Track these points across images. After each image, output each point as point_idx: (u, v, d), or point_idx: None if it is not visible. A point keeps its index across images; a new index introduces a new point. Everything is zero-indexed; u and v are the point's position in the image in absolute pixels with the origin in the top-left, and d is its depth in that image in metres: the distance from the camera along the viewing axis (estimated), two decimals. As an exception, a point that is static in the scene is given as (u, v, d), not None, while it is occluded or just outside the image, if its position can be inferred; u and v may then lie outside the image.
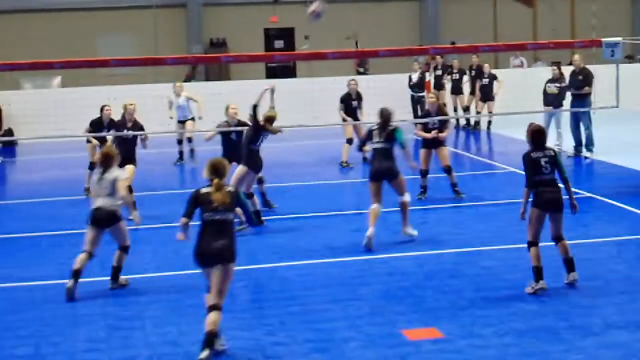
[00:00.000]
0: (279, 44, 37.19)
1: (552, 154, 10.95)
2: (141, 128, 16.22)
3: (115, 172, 11.44)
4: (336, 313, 10.12)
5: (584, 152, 20.84)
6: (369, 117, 18.66)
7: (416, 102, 26.43)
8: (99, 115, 17.82)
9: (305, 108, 26.20)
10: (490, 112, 26.44)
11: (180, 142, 22.51)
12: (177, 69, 32.65)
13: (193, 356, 8.93)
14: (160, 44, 34.56)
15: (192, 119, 22.31)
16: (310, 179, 18.83)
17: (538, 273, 10.72)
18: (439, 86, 28.02)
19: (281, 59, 29.35)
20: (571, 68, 22.01)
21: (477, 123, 27.69)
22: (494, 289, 10.86)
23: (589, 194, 16.16)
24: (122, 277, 11.49)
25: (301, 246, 13.28)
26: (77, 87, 28.21)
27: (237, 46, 35.10)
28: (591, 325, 9.48)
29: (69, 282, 11.00)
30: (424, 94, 26.77)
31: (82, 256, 11.22)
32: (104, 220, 11.31)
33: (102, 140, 18.17)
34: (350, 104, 20.66)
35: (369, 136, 13.59)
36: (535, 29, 35.88)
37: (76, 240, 14.12)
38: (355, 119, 20.41)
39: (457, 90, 27.94)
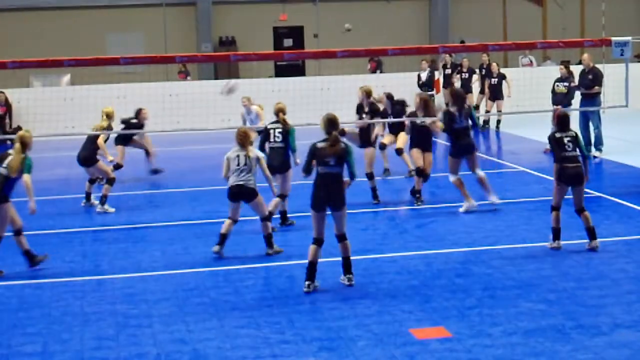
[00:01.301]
0: (288, 42, 37.20)
1: (574, 135, 12.49)
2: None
3: (255, 152, 12.88)
4: (344, 312, 10.12)
5: (593, 152, 20.80)
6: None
7: (425, 100, 26.35)
8: (133, 116, 18.78)
9: (315, 107, 26.16)
10: (499, 111, 26.40)
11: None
12: (187, 67, 32.74)
13: (200, 354, 8.95)
14: (169, 42, 34.62)
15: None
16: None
17: (557, 233, 12.52)
18: (448, 85, 27.99)
19: (290, 57, 29.31)
20: (581, 67, 21.97)
21: (486, 122, 27.66)
22: (502, 288, 10.85)
23: (597, 194, 16.13)
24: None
25: (308, 244, 13.25)
26: (86, 85, 28.27)
27: (246, 44, 35.15)
28: (599, 325, 9.46)
29: (215, 247, 12.57)
30: (433, 92, 26.82)
31: (227, 222, 12.69)
32: (244, 195, 12.59)
33: (129, 139, 18.54)
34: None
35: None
36: (544, 28, 35.85)
37: (84, 239, 14.20)
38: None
39: (466, 89, 27.89)
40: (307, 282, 10.82)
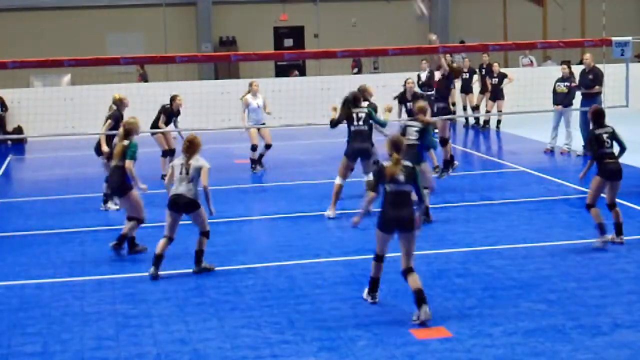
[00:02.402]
0: (288, 42, 37.19)
1: (611, 130, 12.74)
2: None
3: (200, 161, 11.77)
4: (345, 312, 10.11)
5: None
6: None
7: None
8: (168, 104, 19.12)
9: (314, 106, 26.16)
10: (499, 111, 26.40)
11: (255, 148, 20.21)
12: (187, 67, 32.74)
13: (200, 354, 8.95)
14: (169, 42, 34.61)
15: (264, 124, 20.30)
16: (319, 178, 18.76)
17: (603, 228, 12.53)
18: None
19: (291, 57, 29.31)
20: (581, 67, 21.96)
21: (487, 122, 27.66)
22: (502, 288, 10.85)
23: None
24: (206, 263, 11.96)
25: (309, 245, 13.28)
26: (86, 85, 28.27)
27: (246, 44, 35.15)
28: (600, 325, 9.46)
29: (151, 269, 11.67)
30: (433, 92, 26.78)
31: (162, 241, 11.75)
32: (182, 206, 11.68)
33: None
34: (406, 104, 20.50)
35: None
36: (545, 28, 35.84)
37: (84, 238, 14.20)
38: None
39: (466, 89, 27.92)
40: (372, 294, 10.33)
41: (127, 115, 15.84)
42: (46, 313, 10.41)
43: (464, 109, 28.08)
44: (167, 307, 10.49)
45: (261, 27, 36.49)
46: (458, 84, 28.00)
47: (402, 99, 20.74)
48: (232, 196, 17.22)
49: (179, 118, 19.40)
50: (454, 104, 28.05)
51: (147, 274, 11.76)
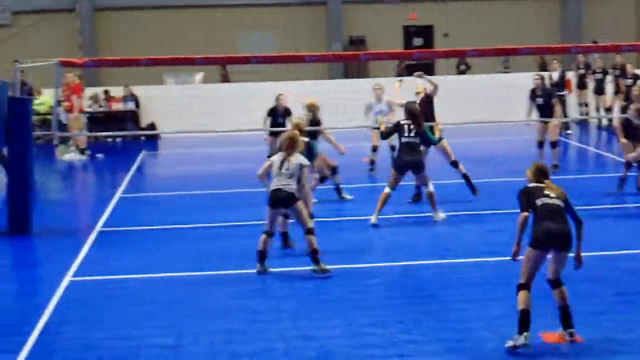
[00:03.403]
0: (417, 41, 37.08)
1: None
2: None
3: (300, 158, 11.88)
4: (472, 313, 10.05)
5: None
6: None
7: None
8: (274, 104, 19.42)
9: (441, 105, 26.02)
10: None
11: (375, 149, 20.49)
12: (316, 66, 32.98)
13: (327, 350, 9.01)
14: (299, 41, 34.87)
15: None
16: (444, 178, 18.60)
17: None
18: (582, 85, 27.56)
19: (420, 56, 29.19)
20: None
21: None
22: (636, 293, 10.62)
23: None
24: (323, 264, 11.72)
25: (436, 245, 13.24)
26: (217, 83, 28.74)
27: (375, 44, 35.16)
28: None
29: (257, 267, 11.79)
30: (565, 93, 26.38)
31: (263, 237, 11.82)
32: (282, 200, 11.70)
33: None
34: (535, 102, 20.28)
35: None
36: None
37: (216, 234, 14.44)
38: (542, 116, 19.69)
39: (599, 90, 27.41)
40: (524, 334, 8.82)
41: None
42: (178, 306, 10.63)
43: (597, 110, 27.57)
44: (294, 304, 10.60)
45: (390, 27, 36.45)
46: (591, 84, 27.50)
47: (532, 95, 20.47)
48: (358, 194, 17.29)
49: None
50: (587, 105, 27.61)
51: (275, 270, 11.91)
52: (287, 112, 19.31)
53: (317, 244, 11.73)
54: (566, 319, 9.05)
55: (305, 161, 12.06)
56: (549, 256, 9.05)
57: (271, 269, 11.98)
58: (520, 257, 9.10)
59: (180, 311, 10.43)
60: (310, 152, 13.66)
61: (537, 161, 9.55)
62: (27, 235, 14.65)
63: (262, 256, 11.87)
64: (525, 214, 9.01)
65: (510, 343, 8.77)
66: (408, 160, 14.64)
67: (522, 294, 8.92)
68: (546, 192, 9.01)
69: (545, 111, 19.57)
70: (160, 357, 8.98)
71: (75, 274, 12.18)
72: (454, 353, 8.86)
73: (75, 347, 9.33)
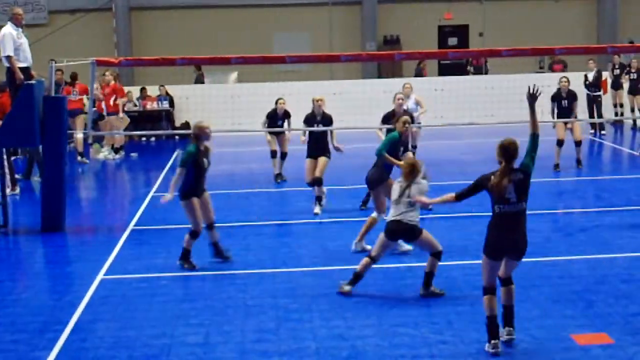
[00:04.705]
0: (452, 41, 36.96)
1: None
2: (330, 120, 16.46)
3: (422, 184, 10.89)
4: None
5: None
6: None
7: (592, 101, 25.82)
8: (274, 107, 19.11)
9: (477, 105, 25.93)
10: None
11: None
12: (351, 66, 32.97)
13: (359, 350, 8.99)
14: (334, 41, 34.87)
15: (419, 123, 20.64)
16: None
17: None
18: (617, 86, 27.35)
19: (455, 56, 29.15)
20: None
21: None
22: (669, 296, 10.52)
23: None
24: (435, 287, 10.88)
25: (469, 245, 13.16)
26: (252, 82, 28.78)
27: (410, 43, 35.09)
28: None
29: (346, 287, 10.86)
30: (600, 93, 26.19)
31: (365, 260, 10.91)
32: (403, 233, 10.84)
33: (279, 132, 19.03)
34: (560, 103, 20.24)
35: None
36: None
37: (247, 232, 14.47)
38: (567, 118, 19.88)
39: (634, 90, 27.19)
40: (492, 342, 8.86)
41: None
42: (209, 304, 10.66)
43: (632, 110, 27.35)
44: (326, 303, 10.58)
45: (425, 26, 36.36)
46: (626, 85, 27.34)
47: (556, 97, 20.38)
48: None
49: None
50: (622, 105, 27.39)
51: (307, 269, 11.91)
52: (286, 116, 19.23)
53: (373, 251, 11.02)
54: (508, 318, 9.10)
55: (426, 186, 10.96)
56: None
57: (305, 269, 11.98)
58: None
59: (212, 310, 10.45)
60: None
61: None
62: (60, 233, 14.75)
63: (357, 278, 10.90)
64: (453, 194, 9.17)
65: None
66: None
67: (486, 299, 8.99)
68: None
69: (568, 113, 19.87)
70: (191, 356, 9.01)
71: (108, 272, 12.25)
72: (485, 355, 8.82)
73: (107, 345, 9.37)
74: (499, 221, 8.82)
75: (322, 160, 15.94)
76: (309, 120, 16.50)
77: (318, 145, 16.18)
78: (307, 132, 16.71)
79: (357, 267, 10.93)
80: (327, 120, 16.44)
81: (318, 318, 10.05)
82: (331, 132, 16.42)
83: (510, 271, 9.12)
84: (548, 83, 24.87)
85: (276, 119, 19.18)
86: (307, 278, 11.68)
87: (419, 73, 32.17)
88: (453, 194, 9.21)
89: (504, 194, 8.73)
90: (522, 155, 8.80)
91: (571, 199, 16.58)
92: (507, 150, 8.75)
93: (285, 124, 19.23)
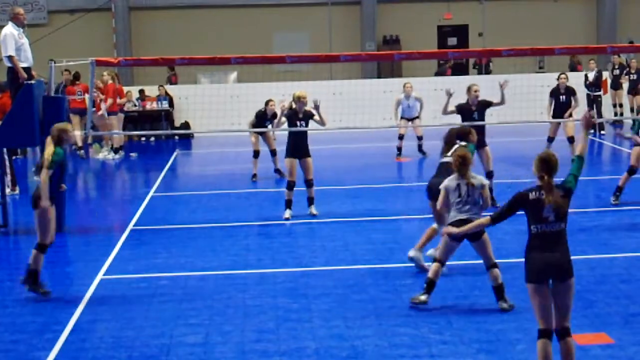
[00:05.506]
0: (452, 41, 36.95)
1: None
2: (311, 117, 15.68)
3: (478, 178, 10.49)
4: (504, 314, 9.98)
5: None
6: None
7: (592, 101, 25.84)
8: (263, 108, 19.36)
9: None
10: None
11: (401, 137, 22.55)
12: (350, 66, 32.92)
13: (359, 350, 8.99)
14: (334, 41, 34.86)
15: (418, 117, 22.50)
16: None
17: None
18: (617, 86, 27.34)
19: (454, 56, 29.14)
20: None
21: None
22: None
23: None
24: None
25: (468, 245, 13.14)
26: (252, 82, 28.77)
27: (409, 43, 35.08)
28: None
29: (423, 297, 10.34)
30: (601, 93, 26.20)
31: (435, 266, 10.46)
32: (470, 234, 9.95)
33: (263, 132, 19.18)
34: (558, 98, 20.28)
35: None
36: None
37: (249, 232, 14.46)
38: (560, 113, 20.21)
39: (634, 90, 27.19)
40: None
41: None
42: (209, 305, 10.64)
43: (631, 110, 27.35)
44: (326, 303, 10.58)
45: (425, 26, 36.36)
46: (626, 85, 27.34)
47: (555, 93, 20.48)
48: (392, 193, 17.25)
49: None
50: (621, 105, 27.40)
51: (307, 269, 11.90)
52: (274, 117, 19.19)
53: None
54: None
55: (485, 179, 10.63)
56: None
57: (306, 268, 11.98)
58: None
59: (211, 310, 10.45)
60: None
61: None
62: (60, 233, 14.70)
63: (431, 285, 10.37)
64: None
65: None
66: None
67: (540, 343, 7.90)
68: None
69: (565, 108, 20.27)
70: (190, 356, 9.00)
71: (107, 272, 12.25)
72: (485, 354, 8.82)
73: (106, 345, 9.36)
74: (537, 242, 7.87)
75: (309, 161, 15.44)
76: (292, 118, 15.44)
77: (301, 144, 15.31)
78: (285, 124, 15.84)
79: (429, 274, 10.42)
80: (309, 117, 15.69)
81: (318, 318, 10.05)
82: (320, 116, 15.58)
83: (563, 307, 7.79)
84: (547, 83, 24.94)
85: (264, 119, 19.24)
86: (307, 278, 11.68)
87: (443, 72, 32.54)
88: (488, 218, 8.44)
89: (543, 213, 7.85)
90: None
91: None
92: (549, 163, 7.87)
93: (271, 125, 19.25)
